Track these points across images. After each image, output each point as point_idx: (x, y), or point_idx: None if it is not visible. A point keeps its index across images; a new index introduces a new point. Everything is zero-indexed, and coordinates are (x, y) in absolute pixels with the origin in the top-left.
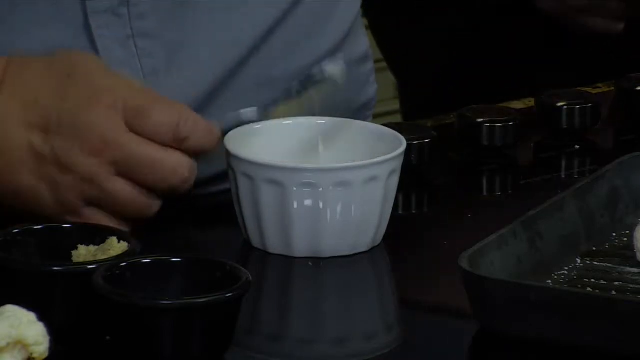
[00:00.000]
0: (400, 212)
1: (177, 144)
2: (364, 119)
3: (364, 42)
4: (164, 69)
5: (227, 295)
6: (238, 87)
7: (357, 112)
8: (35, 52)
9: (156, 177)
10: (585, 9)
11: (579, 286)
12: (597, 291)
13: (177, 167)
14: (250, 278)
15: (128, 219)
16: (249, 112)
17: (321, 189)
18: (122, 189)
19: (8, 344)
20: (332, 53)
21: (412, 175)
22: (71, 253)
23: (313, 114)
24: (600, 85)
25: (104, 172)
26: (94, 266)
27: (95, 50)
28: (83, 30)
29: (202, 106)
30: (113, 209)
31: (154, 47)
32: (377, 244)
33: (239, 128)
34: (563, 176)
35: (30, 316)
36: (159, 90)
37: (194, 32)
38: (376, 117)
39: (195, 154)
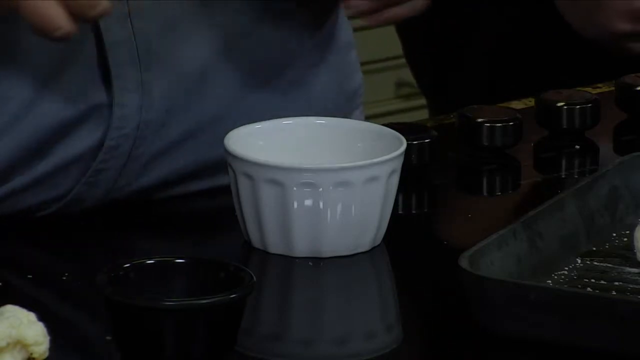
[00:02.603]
0: (400, 212)
1: None
2: (355, 108)
3: (349, 29)
4: (158, 49)
5: (231, 296)
6: (231, 67)
7: (347, 101)
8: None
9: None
10: (632, 34)
11: (579, 286)
12: (597, 291)
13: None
14: (254, 279)
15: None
16: None
17: (321, 189)
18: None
19: (8, 344)
20: (323, 38)
21: (412, 175)
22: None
23: None
24: (600, 85)
25: None
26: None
27: (98, 30)
28: None
29: (195, 86)
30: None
31: (149, 26)
32: (377, 244)
33: (239, 128)
34: (563, 176)
35: (30, 316)
36: (153, 69)
37: (187, 13)
38: (376, 117)
39: None
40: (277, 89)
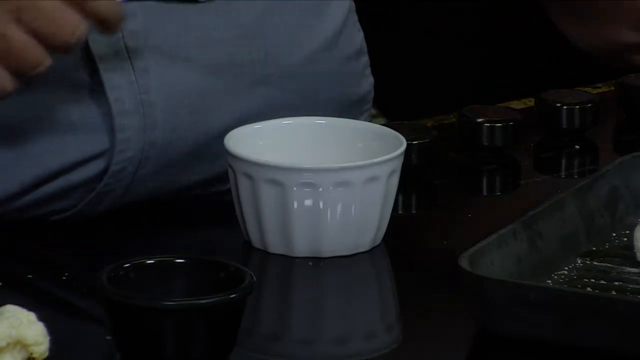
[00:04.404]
0: (400, 212)
1: (81, 5)
2: (363, 112)
3: (358, 37)
4: (154, 69)
5: (231, 296)
6: (233, 85)
7: (355, 105)
8: None
9: (53, 31)
10: (631, 47)
11: (579, 286)
12: (597, 291)
13: (76, 26)
14: (254, 279)
15: (16, 72)
16: None
17: (321, 189)
18: (18, 35)
19: (8, 344)
20: (326, 48)
21: (412, 175)
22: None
23: None
24: (600, 85)
25: (4, 16)
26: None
27: (91, 57)
28: None
29: (194, 105)
30: (3, 56)
31: (143, 47)
32: (377, 244)
33: (239, 128)
34: (563, 176)
35: (30, 316)
36: (151, 88)
37: (181, 31)
38: (376, 117)
39: (95, 21)
40: (280, 99)
